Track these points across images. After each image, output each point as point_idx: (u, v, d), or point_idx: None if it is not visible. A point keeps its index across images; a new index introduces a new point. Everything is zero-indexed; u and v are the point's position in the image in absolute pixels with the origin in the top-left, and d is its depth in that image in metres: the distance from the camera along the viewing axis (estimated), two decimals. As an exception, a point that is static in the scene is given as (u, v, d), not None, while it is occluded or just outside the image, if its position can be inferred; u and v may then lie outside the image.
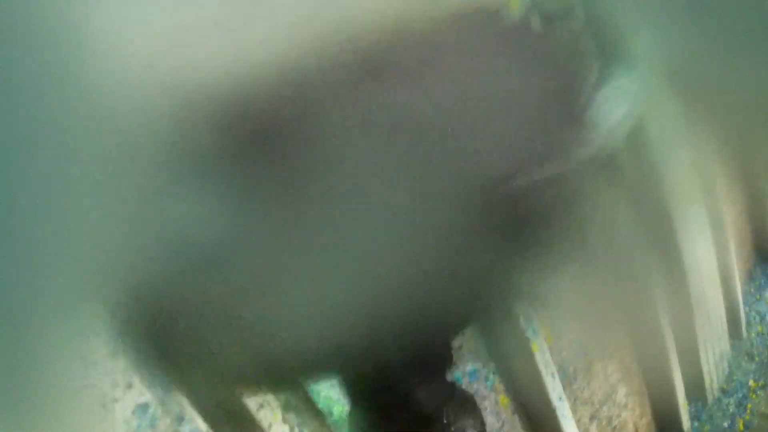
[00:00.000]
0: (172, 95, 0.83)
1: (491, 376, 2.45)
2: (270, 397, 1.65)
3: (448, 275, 1.06)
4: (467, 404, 1.24)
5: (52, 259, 0.93)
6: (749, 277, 4.60)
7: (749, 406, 3.99)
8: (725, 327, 4.01)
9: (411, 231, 0.95)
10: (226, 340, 1.35)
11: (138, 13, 0.80)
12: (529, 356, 2.43)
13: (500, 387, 2.54)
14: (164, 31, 0.81)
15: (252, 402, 1.63)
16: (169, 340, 1.42)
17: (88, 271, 0.97)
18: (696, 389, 3.85)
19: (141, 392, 1.47)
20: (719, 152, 3.17)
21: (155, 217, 0.91)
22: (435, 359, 1.23)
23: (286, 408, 1.70)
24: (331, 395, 1.78)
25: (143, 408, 1.47)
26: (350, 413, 1.31)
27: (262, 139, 0.89)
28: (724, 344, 4.03)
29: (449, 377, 1.29)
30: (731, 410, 3.99)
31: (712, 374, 3.95)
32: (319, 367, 1.46)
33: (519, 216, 1.06)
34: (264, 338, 1.22)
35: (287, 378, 1.65)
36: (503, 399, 2.56)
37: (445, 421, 1.20)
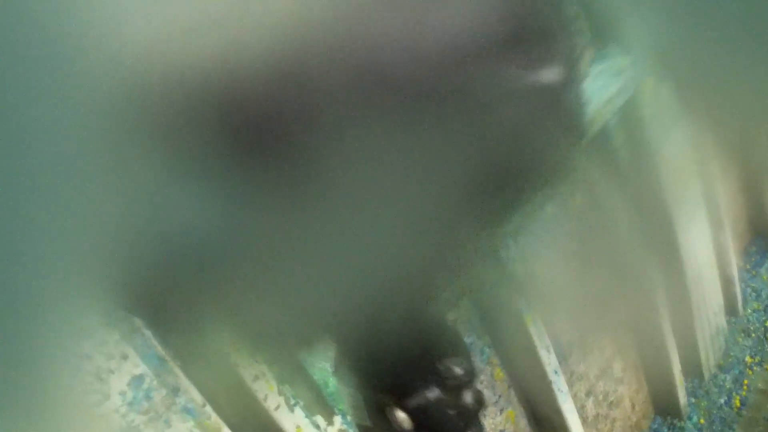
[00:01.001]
0: (171, 90, 0.82)
1: (486, 350, 2.46)
2: (265, 369, 1.66)
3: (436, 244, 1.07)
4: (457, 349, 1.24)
5: (50, 248, 0.93)
6: (745, 255, 4.61)
7: (746, 382, 4.01)
8: (721, 304, 4.02)
9: (406, 209, 0.95)
10: (221, 323, 1.35)
11: (135, 5, 0.80)
12: (524, 330, 2.43)
13: (495, 361, 2.55)
14: (162, 22, 0.81)
15: (247, 373, 1.64)
16: (166, 320, 1.42)
17: (85, 260, 0.97)
18: (693, 366, 3.87)
19: (136, 364, 1.47)
20: (714, 132, 3.17)
21: (154, 210, 0.91)
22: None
23: (281, 380, 1.70)
24: (327, 367, 1.78)
25: (139, 380, 1.48)
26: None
27: (261, 132, 0.89)
28: (720, 321, 4.04)
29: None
30: (728, 386, 4.01)
31: (709, 351, 3.97)
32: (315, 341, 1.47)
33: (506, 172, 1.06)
34: (260, 323, 1.22)
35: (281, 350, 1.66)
36: (498, 372, 2.57)
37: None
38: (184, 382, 1.57)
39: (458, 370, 1.16)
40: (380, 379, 1.20)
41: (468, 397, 1.18)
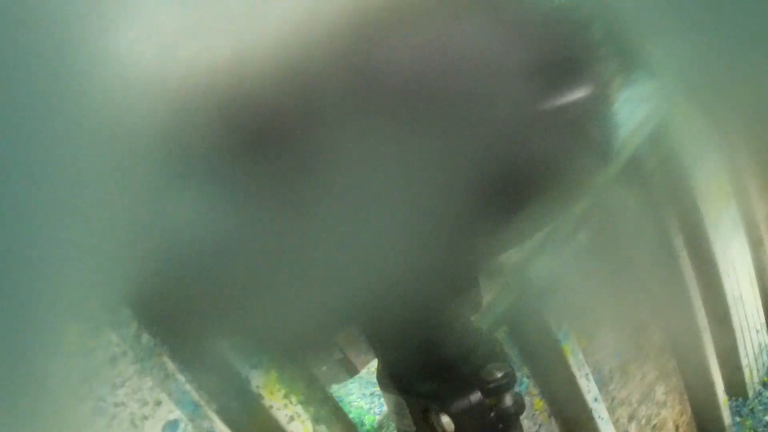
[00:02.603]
0: (175, 93, 0.82)
1: (525, 380, 2.43)
2: (300, 410, 1.65)
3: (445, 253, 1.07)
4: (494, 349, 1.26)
5: (58, 260, 0.93)
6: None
7: (791, 398, 3.93)
8: (763, 321, 3.95)
9: (410, 216, 0.95)
10: (227, 331, 1.36)
11: (144, 11, 0.80)
12: (562, 359, 2.41)
13: (535, 391, 2.52)
14: (168, 29, 0.81)
15: (282, 415, 1.63)
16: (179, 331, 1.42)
17: (92, 269, 0.97)
18: (736, 385, 3.80)
19: (170, 410, 1.47)
20: (749, 150, 3.13)
21: (157, 216, 0.90)
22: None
23: (316, 420, 1.69)
24: (362, 406, 1.76)
25: (173, 425, 1.47)
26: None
27: (264, 137, 0.88)
28: (762, 338, 3.96)
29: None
30: (773, 404, 3.93)
31: (752, 368, 3.89)
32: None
33: (515, 189, 1.06)
34: (264, 327, 1.23)
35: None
36: (538, 402, 2.54)
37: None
38: (219, 426, 1.55)
39: (498, 374, 1.19)
40: (424, 384, 1.22)
41: (508, 401, 1.22)
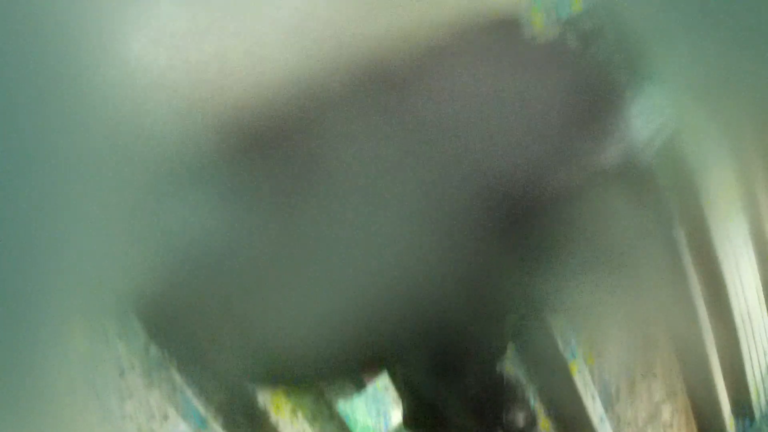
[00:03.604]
0: (184, 95, 0.82)
1: (531, 399, 2.42)
2: (306, 427, 1.64)
3: (458, 282, 1.06)
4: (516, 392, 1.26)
5: (56, 265, 0.93)
6: (794, 289, 4.50)
7: (798, 420, 3.90)
8: (771, 340, 3.93)
9: (418, 236, 0.94)
10: (229, 339, 1.36)
11: (155, 13, 0.80)
12: (568, 378, 2.39)
13: (540, 410, 2.51)
14: (180, 31, 0.81)
15: (288, 431, 1.62)
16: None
17: (90, 276, 0.97)
18: (743, 406, 3.77)
19: (176, 423, 1.46)
20: (760, 163, 3.11)
21: (158, 221, 0.90)
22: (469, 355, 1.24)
23: (323, 437, 1.68)
24: (369, 424, 1.76)
25: (180, 439, 1.47)
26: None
27: (266, 145, 0.88)
28: (770, 358, 3.95)
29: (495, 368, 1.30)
30: (779, 425, 3.90)
31: (759, 389, 3.87)
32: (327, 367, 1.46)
33: (533, 227, 1.05)
34: (266, 338, 1.22)
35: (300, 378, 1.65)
36: (544, 422, 2.52)
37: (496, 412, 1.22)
38: (226, 441, 1.55)
39: (521, 418, 1.19)
40: (448, 428, 1.22)
41: (530, 444, 1.21)
